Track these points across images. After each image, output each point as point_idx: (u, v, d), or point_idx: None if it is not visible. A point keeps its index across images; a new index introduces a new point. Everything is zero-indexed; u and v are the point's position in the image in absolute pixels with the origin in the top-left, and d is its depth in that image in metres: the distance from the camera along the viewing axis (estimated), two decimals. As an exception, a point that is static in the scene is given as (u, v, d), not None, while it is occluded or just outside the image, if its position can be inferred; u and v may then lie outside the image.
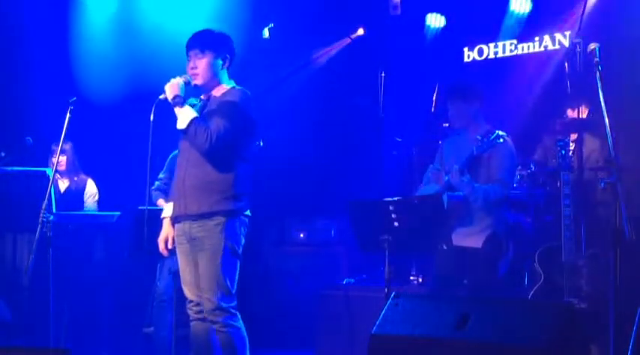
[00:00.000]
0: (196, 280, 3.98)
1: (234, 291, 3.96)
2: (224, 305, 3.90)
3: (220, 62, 4.06)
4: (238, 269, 4.00)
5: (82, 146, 6.27)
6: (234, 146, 3.94)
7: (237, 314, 3.97)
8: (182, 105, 3.93)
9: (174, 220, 4.06)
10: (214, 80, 4.06)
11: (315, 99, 6.88)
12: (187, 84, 3.98)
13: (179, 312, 4.72)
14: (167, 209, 4.14)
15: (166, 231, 4.11)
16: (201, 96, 4.14)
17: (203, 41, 4.03)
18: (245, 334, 3.96)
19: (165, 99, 3.94)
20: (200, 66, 4.01)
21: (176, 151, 5.59)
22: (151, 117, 3.94)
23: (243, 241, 4.02)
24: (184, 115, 3.91)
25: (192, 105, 4.02)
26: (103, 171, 6.44)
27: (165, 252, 4.09)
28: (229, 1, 7.00)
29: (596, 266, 4.57)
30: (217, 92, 4.07)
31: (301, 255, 6.39)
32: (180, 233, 4.03)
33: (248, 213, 4.04)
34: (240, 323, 3.96)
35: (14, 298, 5.43)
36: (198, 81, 4.02)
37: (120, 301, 6.14)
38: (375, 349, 3.28)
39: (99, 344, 5.88)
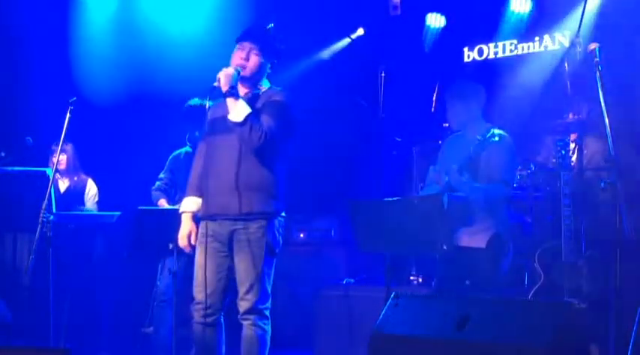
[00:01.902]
0: (213, 281, 3.96)
1: (270, 292, 3.98)
2: (260, 306, 3.92)
3: (269, 65, 4.08)
4: (274, 269, 4.02)
5: (82, 146, 6.27)
6: (278, 145, 3.93)
7: (269, 317, 3.98)
8: (237, 97, 3.88)
9: (208, 218, 3.99)
10: (258, 77, 4.05)
11: (315, 99, 6.87)
12: (237, 74, 3.94)
13: (178, 312, 4.72)
14: (186, 204, 4.08)
15: (189, 226, 4.04)
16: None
17: (265, 41, 4.03)
18: (269, 339, 3.98)
19: (219, 87, 3.89)
20: (252, 61, 3.99)
21: (177, 151, 5.61)
22: (207, 105, 3.92)
23: (281, 242, 4.02)
24: (240, 108, 3.85)
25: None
26: (103, 171, 6.44)
27: (187, 249, 4.05)
28: (229, 1, 7.00)
29: (596, 266, 4.57)
30: (260, 90, 4.06)
31: (301, 255, 6.39)
32: (210, 232, 3.97)
33: (284, 214, 4.04)
34: (269, 328, 3.97)
35: (14, 298, 5.43)
36: (246, 73, 3.98)
37: (120, 301, 6.14)
38: (375, 349, 3.28)
39: (99, 344, 5.88)
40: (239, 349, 4.01)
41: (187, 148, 5.54)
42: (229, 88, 3.86)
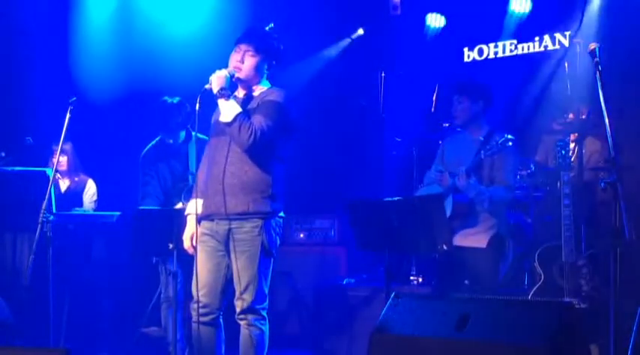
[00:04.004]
0: (212, 281, 3.98)
1: (267, 292, 3.98)
2: (257, 306, 3.93)
3: (266, 66, 4.08)
4: (271, 269, 4.03)
5: (82, 146, 6.27)
6: (273, 145, 3.94)
7: (266, 317, 3.99)
8: (228, 98, 3.91)
9: (205, 218, 4.02)
10: (255, 79, 4.07)
11: (316, 99, 6.88)
12: (231, 77, 3.97)
13: (183, 313, 4.73)
14: (191, 206, 4.10)
15: (192, 227, 4.05)
16: (236, 93, 4.10)
17: (261, 42, 4.04)
18: (267, 338, 3.98)
19: (210, 90, 3.92)
20: (247, 63, 4.02)
21: (145, 149, 5.48)
22: (197, 107, 3.93)
23: (278, 242, 4.03)
24: (230, 109, 3.89)
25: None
26: (103, 171, 6.44)
27: (191, 250, 4.05)
28: (229, 1, 7.00)
29: (596, 266, 4.57)
30: (256, 91, 4.08)
31: (301, 255, 6.39)
32: (208, 231, 4.00)
33: (282, 214, 4.05)
34: (266, 328, 3.98)
35: (14, 298, 5.42)
36: (241, 75, 4.01)
37: (120, 301, 6.13)
38: (375, 349, 3.27)
39: (99, 344, 5.88)
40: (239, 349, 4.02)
41: (154, 142, 5.41)
42: (220, 89, 3.90)
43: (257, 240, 3.90)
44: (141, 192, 5.31)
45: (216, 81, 3.91)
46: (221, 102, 3.92)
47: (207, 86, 3.93)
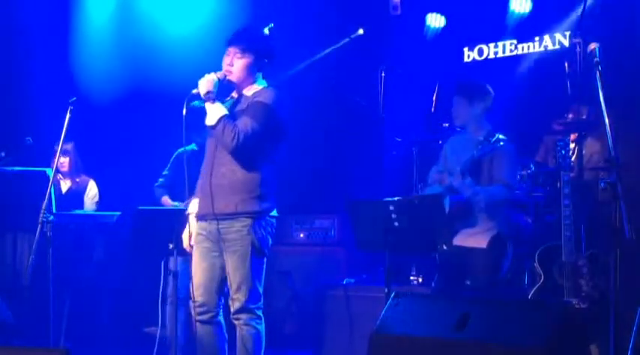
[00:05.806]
0: (207, 280, 4.00)
1: (261, 291, 3.99)
2: (251, 305, 3.95)
3: (257, 66, 4.08)
4: (265, 268, 4.03)
5: (82, 146, 6.27)
6: (261, 147, 3.96)
7: (262, 316, 4.00)
8: (213, 101, 3.93)
9: (201, 218, 4.06)
10: (248, 80, 4.08)
11: (315, 99, 6.88)
12: (222, 80, 3.99)
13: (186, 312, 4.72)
14: (193, 205, 4.14)
15: (191, 227, 4.10)
16: (232, 94, 4.13)
17: (246, 41, 4.04)
18: (263, 337, 4.00)
19: (198, 94, 3.94)
20: (237, 65, 4.03)
21: (182, 148, 5.60)
22: (184, 112, 3.94)
23: (270, 241, 4.04)
24: (214, 112, 3.91)
25: (222, 103, 4.02)
26: (103, 171, 6.44)
27: (189, 249, 4.08)
28: (229, 1, 7.01)
29: (596, 266, 4.57)
30: (249, 91, 4.08)
31: (301, 255, 6.39)
32: (203, 231, 4.03)
33: (274, 213, 4.06)
34: (262, 327, 3.99)
35: (14, 298, 5.42)
36: (233, 78, 4.04)
37: (120, 301, 6.13)
38: (375, 349, 3.28)
39: (99, 344, 5.88)
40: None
41: (193, 146, 5.55)
42: (206, 92, 3.92)
43: (246, 239, 3.92)
44: (159, 181, 5.79)
45: (204, 84, 3.93)
46: (207, 105, 3.94)
47: (194, 91, 3.96)
